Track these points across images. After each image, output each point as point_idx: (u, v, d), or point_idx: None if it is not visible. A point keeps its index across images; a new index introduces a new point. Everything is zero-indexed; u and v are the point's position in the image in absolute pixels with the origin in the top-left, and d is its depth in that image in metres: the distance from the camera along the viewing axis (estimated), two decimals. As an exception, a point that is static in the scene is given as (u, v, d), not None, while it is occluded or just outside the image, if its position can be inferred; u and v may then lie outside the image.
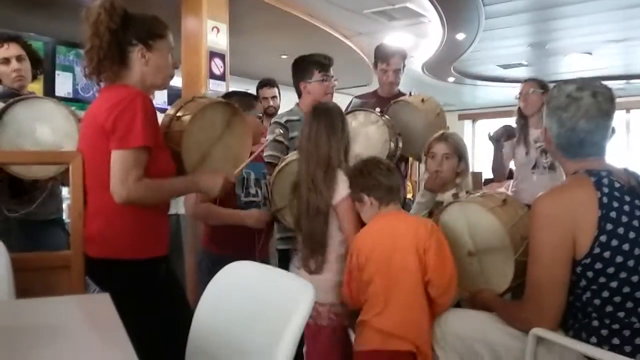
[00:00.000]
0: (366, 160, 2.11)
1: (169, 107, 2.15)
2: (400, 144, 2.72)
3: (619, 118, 9.94)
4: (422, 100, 2.84)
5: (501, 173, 3.59)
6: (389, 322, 1.86)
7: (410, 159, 3.28)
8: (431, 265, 1.86)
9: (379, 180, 2.01)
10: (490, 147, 3.50)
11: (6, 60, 2.53)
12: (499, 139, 3.45)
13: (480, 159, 10.94)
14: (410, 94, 3.00)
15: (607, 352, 1.44)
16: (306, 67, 2.85)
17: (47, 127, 2.16)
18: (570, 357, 1.51)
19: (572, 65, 7.70)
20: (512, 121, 3.51)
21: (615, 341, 1.48)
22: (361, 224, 2.07)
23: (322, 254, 2.06)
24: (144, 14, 1.90)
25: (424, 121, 2.78)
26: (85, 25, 1.81)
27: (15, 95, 2.42)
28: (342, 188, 2.05)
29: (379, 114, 2.69)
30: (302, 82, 2.86)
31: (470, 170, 2.58)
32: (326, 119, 2.11)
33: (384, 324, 1.86)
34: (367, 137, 2.66)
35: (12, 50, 2.54)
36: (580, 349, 1.47)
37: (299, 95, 2.90)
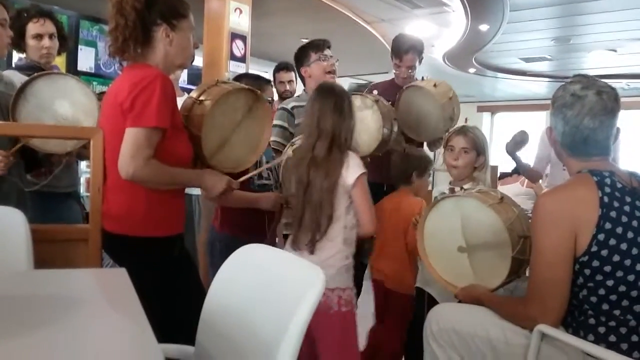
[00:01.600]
0: None
1: (188, 86, 2.17)
2: (396, 128, 2.70)
3: (640, 117, 9.83)
4: (435, 85, 2.84)
5: (533, 175, 3.70)
6: (381, 264, 2.68)
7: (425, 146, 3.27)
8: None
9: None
10: (508, 140, 3.52)
11: (39, 36, 2.53)
12: (512, 151, 3.51)
13: (497, 152, 10.89)
14: (422, 79, 2.98)
15: (612, 352, 1.45)
16: (303, 52, 2.89)
17: (67, 103, 2.19)
18: (573, 353, 1.52)
19: (595, 62, 7.59)
20: (531, 115, 3.55)
21: (612, 338, 1.51)
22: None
23: (325, 233, 1.97)
24: None
25: (436, 105, 2.79)
26: (108, 3, 1.82)
27: (38, 69, 2.45)
28: (354, 168, 1.99)
29: (374, 98, 2.66)
30: (302, 68, 2.91)
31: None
32: (331, 97, 2.05)
33: (379, 266, 2.70)
34: (362, 121, 2.59)
35: (47, 27, 2.55)
36: (585, 347, 1.48)
37: (304, 82, 2.94)
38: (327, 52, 2.85)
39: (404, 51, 3.21)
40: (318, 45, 2.86)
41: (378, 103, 2.65)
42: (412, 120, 2.92)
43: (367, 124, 2.63)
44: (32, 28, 2.53)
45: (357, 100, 2.64)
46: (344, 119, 2.03)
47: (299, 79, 4.13)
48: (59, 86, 2.20)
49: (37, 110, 2.14)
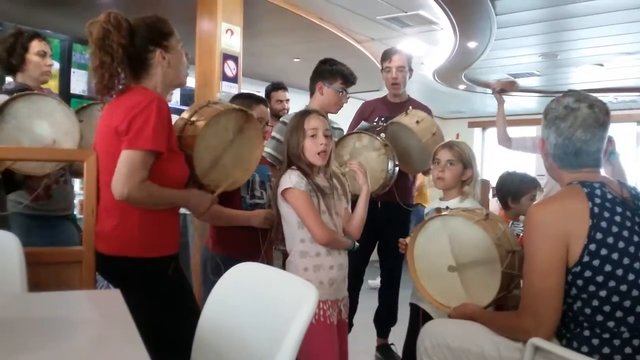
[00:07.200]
0: None
1: (181, 107, 2.19)
2: (396, 175, 2.76)
3: (629, 130, 9.92)
4: (417, 122, 2.86)
5: None
6: None
7: None
8: None
9: None
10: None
11: (44, 53, 2.56)
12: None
13: (490, 167, 10.95)
14: (406, 113, 3.00)
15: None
16: (332, 71, 2.82)
17: (46, 123, 2.19)
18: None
19: (583, 77, 7.67)
20: (522, 130, 3.60)
21: (606, 350, 1.52)
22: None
23: (281, 243, 2.19)
24: (144, 18, 1.89)
25: (419, 142, 2.82)
26: (89, 40, 1.80)
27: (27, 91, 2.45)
28: (283, 183, 2.11)
29: (383, 142, 2.68)
30: (321, 81, 2.82)
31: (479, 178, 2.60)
32: (291, 122, 2.23)
33: None
34: (367, 161, 2.64)
35: (48, 47, 2.59)
36: (578, 360, 1.49)
37: (312, 94, 2.86)
38: (349, 88, 2.81)
39: (393, 52, 3.33)
40: (347, 79, 2.79)
41: (386, 148, 2.67)
42: (398, 153, 2.89)
43: (371, 165, 2.67)
44: (37, 45, 2.54)
45: (364, 140, 2.66)
46: (286, 139, 2.19)
47: (291, 97, 4.23)
48: (39, 107, 2.20)
49: (16, 131, 2.14)
